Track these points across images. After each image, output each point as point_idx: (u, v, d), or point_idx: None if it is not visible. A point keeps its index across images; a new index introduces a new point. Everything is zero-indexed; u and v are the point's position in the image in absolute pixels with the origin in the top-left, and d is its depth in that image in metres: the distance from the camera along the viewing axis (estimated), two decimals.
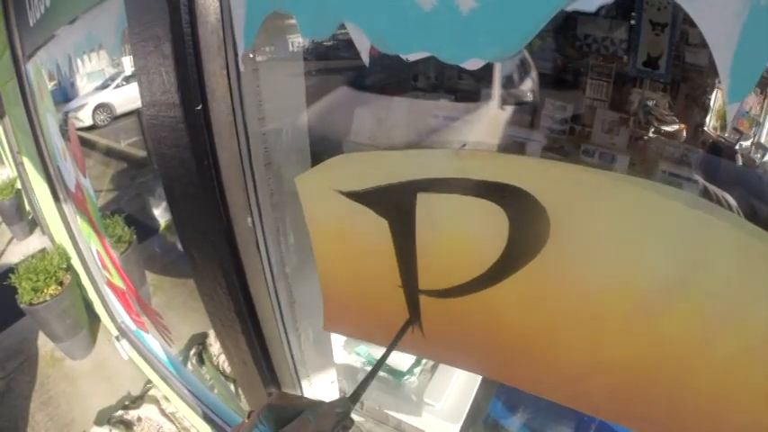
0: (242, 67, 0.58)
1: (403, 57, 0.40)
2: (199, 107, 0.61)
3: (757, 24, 0.26)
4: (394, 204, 0.48)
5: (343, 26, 0.43)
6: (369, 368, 1.38)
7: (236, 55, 0.57)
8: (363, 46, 0.42)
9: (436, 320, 0.57)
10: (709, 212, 0.35)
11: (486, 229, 0.45)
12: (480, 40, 0.36)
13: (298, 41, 0.70)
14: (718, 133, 1.77)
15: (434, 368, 1.37)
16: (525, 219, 0.43)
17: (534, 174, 0.41)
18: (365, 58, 0.42)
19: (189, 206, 0.73)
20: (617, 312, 0.43)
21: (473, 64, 0.37)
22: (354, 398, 0.45)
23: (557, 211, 0.41)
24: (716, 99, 1.78)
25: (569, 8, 0.33)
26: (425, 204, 0.46)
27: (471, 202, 0.44)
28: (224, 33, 0.56)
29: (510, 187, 0.41)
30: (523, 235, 0.44)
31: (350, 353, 1.42)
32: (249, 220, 0.69)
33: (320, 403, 0.43)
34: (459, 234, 0.47)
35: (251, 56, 0.61)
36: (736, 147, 1.65)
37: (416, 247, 0.50)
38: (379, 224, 0.50)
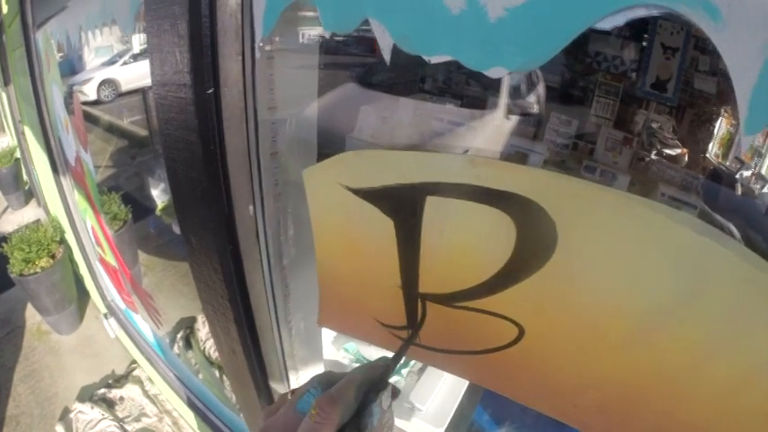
0: (258, 54, 0.57)
1: (425, 58, 0.39)
2: (210, 90, 0.60)
3: None
4: (402, 205, 0.47)
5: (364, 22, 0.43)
6: (356, 365, 1.37)
7: (252, 41, 0.57)
8: (386, 44, 0.41)
9: (433, 324, 0.56)
10: (716, 240, 0.35)
11: (494, 237, 0.44)
12: (506, 50, 0.35)
13: (314, 33, 0.69)
14: (720, 161, 1.78)
15: (422, 371, 1.36)
16: (534, 231, 0.42)
17: (548, 187, 0.40)
18: (387, 57, 0.41)
19: (191, 190, 0.72)
20: (614, 329, 0.43)
21: (496, 72, 0.36)
22: (396, 358, 0.45)
23: (565, 226, 0.41)
24: (720, 127, 1.78)
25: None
26: (434, 207, 0.46)
27: (481, 210, 0.43)
28: (242, 17, 0.55)
29: (523, 198, 0.41)
30: (530, 247, 0.43)
31: (338, 349, 1.42)
32: (251, 208, 0.68)
33: (361, 366, 0.43)
34: (466, 240, 0.46)
35: (268, 44, 0.60)
36: (737, 176, 1.65)
37: (420, 250, 0.49)
38: (385, 223, 0.50)
